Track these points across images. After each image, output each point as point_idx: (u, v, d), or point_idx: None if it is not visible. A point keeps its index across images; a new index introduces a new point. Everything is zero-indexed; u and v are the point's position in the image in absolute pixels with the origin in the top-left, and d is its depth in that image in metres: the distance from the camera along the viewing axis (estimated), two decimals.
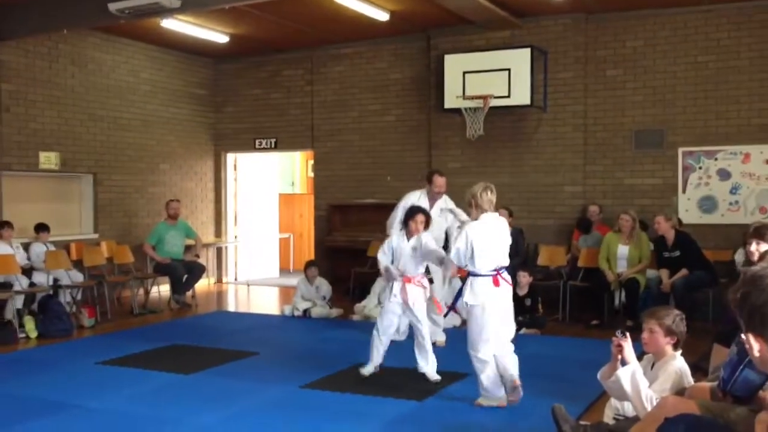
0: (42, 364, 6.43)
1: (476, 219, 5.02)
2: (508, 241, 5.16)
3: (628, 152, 9.34)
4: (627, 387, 3.47)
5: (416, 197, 6.93)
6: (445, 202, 6.99)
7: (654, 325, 3.75)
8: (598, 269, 8.27)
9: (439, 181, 7.02)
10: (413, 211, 5.72)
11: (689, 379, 3.68)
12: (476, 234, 4.91)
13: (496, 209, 8.91)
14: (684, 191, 9.04)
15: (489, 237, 4.96)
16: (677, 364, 3.71)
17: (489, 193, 5.02)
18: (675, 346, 3.75)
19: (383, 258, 5.77)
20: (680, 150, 9.06)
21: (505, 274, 5.06)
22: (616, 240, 8.21)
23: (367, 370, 5.76)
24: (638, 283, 7.97)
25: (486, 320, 4.89)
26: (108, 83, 10.54)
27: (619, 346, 3.56)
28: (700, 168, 8.97)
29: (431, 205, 6.83)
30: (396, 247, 5.73)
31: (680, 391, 3.56)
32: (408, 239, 5.68)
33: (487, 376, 4.93)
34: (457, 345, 7.12)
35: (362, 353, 6.38)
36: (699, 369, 5.22)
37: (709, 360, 4.78)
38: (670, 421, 2.56)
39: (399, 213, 6.63)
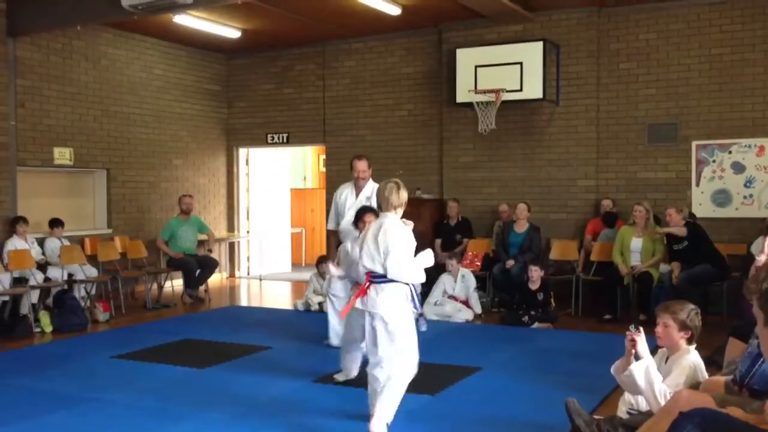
0: (57, 358, 6.49)
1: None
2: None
3: (642, 146, 9.29)
4: (641, 381, 3.47)
5: (344, 190, 6.59)
6: (371, 190, 6.32)
7: (668, 319, 3.75)
8: (611, 263, 8.24)
9: (359, 165, 6.48)
10: (361, 212, 5.51)
11: (704, 374, 3.67)
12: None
13: (513, 204, 8.87)
14: (698, 185, 8.98)
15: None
16: (691, 358, 3.70)
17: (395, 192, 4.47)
18: (689, 341, 3.74)
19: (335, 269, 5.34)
20: (694, 143, 9.00)
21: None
22: (630, 233, 8.18)
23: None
24: (651, 277, 7.93)
25: None
26: (121, 79, 10.59)
27: (633, 340, 3.58)
28: (714, 161, 8.91)
29: (357, 194, 6.47)
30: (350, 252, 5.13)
31: (695, 386, 3.56)
32: None
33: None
34: (469, 340, 7.15)
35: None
36: (713, 363, 5.21)
37: (723, 354, 4.75)
38: (685, 415, 2.55)
39: (332, 209, 6.64)
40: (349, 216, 6.25)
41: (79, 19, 8.86)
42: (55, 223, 9.06)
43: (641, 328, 3.58)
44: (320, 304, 8.77)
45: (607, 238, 8.69)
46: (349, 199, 6.54)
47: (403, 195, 4.47)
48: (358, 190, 6.55)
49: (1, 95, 8.89)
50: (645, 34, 9.21)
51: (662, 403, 3.36)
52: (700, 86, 8.95)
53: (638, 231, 8.14)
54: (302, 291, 10.28)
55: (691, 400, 2.87)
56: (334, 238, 6.71)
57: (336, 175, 11.42)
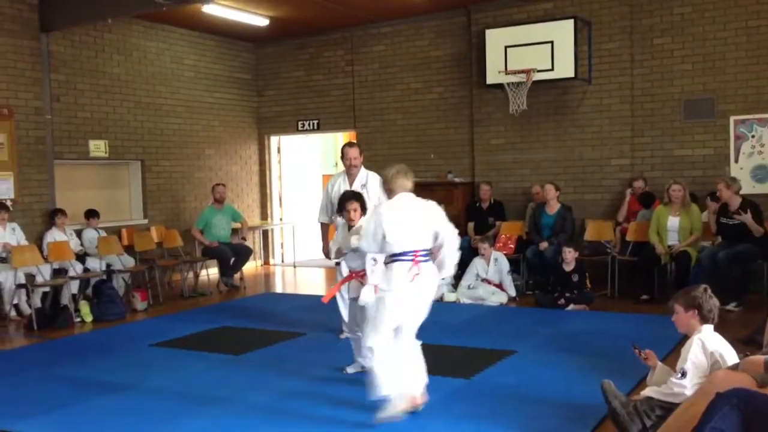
0: (97, 346, 6.62)
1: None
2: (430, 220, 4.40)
3: (678, 122, 9.10)
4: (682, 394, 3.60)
5: (335, 179, 6.37)
6: (365, 178, 6.22)
7: (675, 305, 3.85)
8: (647, 243, 8.11)
9: (351, 152, 6.19)
10: (343, 199, 5.08)
11: (719, 349, 3.65)
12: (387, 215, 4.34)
13: (542, 185, 8.82)
14: (736, 161, 8.78)
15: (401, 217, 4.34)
16: (698, 335, 3.73)
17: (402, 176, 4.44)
18: (703, 321, 3.75)
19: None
20: (732, 118, 8.79)
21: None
22: (666, 212, 8.04)
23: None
24: (689, 257, 7.79)
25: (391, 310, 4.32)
26: (153, 71, 10.69)
27: (646, 359, 3.99)
28: (753, 136, 8.69)
29: (350, 183, 6.19)
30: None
31: (734, 366, 3.50)
32: (349, 230, 4.94)
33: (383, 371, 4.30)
34: (503, 324, 7.11)
35: None
36: (753, 342, 5.12)
37: (763, 333, 4.65)
38: (722, 396, 2.50)
39: (323, 199, 6.41)
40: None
41: (109, 13, 8.96)
42: (91, 213, 9.22)
43: (636, 347, 4.01)
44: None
45: (644, 217, 8.55)
46: (342, 189, 6.05)
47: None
48: (351, 178, 6.27)
49: (36, 90, 9.04)
50: (679, 8, 9.00)
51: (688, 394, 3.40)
52: (737, 60, 8.72)
53: (675, 210, 7.99)
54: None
55: (728, 380, 2.82)
56: (326, 231, 6.52)
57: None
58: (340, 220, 5.45)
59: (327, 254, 6.28)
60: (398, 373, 4.30)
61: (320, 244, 6.63)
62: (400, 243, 4.27)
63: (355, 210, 4.94)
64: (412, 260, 4.27)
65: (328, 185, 6.46)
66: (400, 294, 4.27)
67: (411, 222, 4.33)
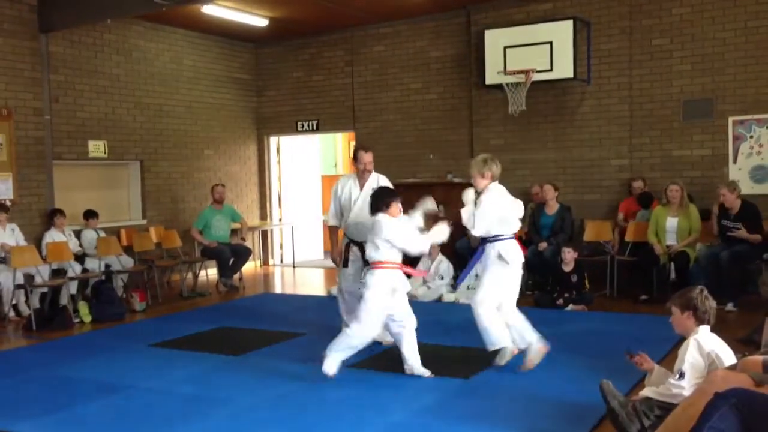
0: (97, 347, 6.62)
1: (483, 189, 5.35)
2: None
3: (676, 123, 9.11)
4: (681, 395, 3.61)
5: (344, 182, 6.37)
6: (376, 181, 6.21)
7: (672, 307, 3.88)
8: (646, 243, 8.12)
9: (366, 157, 6.21)
10: (389, 197, 5.33)
11: (712, 348, 3.67)
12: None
13: (541, 185, 8.92)
14: (735, 161, 8.79)
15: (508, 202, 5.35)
16: (695, 336, 3.75)
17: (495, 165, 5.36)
18: (699, 322, 3.77)
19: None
20: (730, 119, 8.80)
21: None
22: (665, 212, 8.05)
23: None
24: (688, 256, 7.81)
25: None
26: (152, 71, 10.69)
27: (639, 363, 4.04)
28: (752, 137, 8.70)
29: (361, 187, 6.21)
30: None
31: (732, 366, 3.51)
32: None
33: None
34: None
35: None
36: (751, 342, 5.12)
37: (761, 333, 4.66)
38: (720, 396, 2.51)
39: (332, 202, 6.35)
40: (358, 209, 6.11)
41: (109, 13, 8.96)
42: (90, 214, 9.22)
43: (632, 353, 4.09)
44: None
45: (643, 217, 8.56)
46: (354, 193, 6.24)
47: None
48: (362, 182, 6.26)
49: (36, 91, 9.04)
50: (678, 9, 9.01)
51: (686, 394, 3.41)
52: (736, 60, 8.73)
53: (673, 210, 8.00)
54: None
55: (727, 380, 2.82)
56: (336, 235, 6.53)
57: None
58: (362, 221, 5.91)
59: (335, 260, 6.37)
60: (506, 330, 5.27)
61: (321, 246, 6.68)
62: (515, 224, 5.30)
63: (398, 206, 5.30)
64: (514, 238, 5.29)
65: (336, 189, 6.38)
66: (519, 268, 5.32)
67: (512, 206, 5.33)
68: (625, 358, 4.15)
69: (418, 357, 5.29)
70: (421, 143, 10.88)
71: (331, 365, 5.13)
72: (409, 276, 5.47)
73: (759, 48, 8.60)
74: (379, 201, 5.26)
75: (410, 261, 6.30)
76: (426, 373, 5.23)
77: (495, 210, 5.23)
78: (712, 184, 8.68)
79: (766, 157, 8.62)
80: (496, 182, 5.37)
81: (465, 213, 5.39)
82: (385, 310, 5.14)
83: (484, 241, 5.34)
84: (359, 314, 5.17)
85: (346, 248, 6.18)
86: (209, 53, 11.59)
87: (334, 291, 8.92)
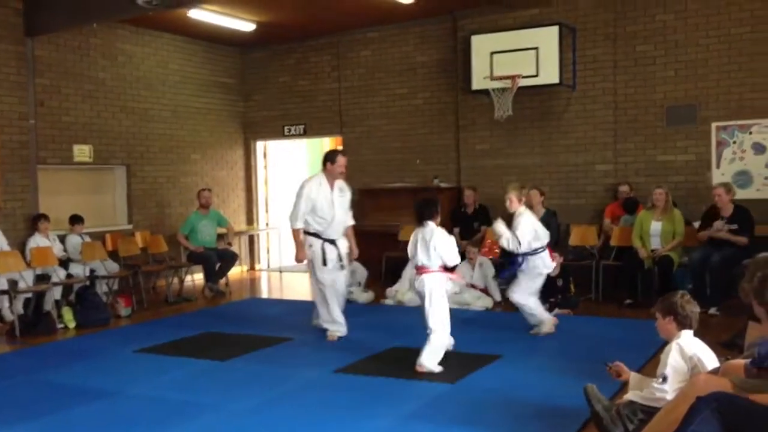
0: (81, 353, 6.58)
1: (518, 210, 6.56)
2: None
3: (660, 129, 9.18)
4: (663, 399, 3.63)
5: (316, 183, 6.64)
6: (341, 183, 6.77)
7: (655, 313, 3.93)
8: (631, 248, 8.18)
9: (343, 161, 6.67)
10: (434, 208, 5.76)
11: (694, 352, 3.70)
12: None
13: (528, 189, 9.08)
14: (718, 167, 8.87)
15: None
16: (677, 341, 3.78)
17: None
18: (681, 326, 3.81)
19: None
20: (713, 125, 8.88)
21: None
22: (649, 217, 8.11)
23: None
24: (672, 261, 7.87)
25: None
26: (138, 75, 10.66)
27: (618, 375, 4.10)
28: (734, 142, 8.79)
29: (331, 187, 6.65)
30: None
31: (715, 370, 3.54)
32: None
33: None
34: (489, 328, 7.13)
35: (394, 337, 6.41)
36: (734, 346, 5.16)
37: (744, 337, 4.70)
38: (702, 399, 2.53)
39: (302, 204, 6.55)
40: (338, 209, 6.64)
41: (94, 17, 8.94)
42: (75, 219, 9.16)
43: (608, 364, 4.19)
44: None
45: (627, 222, 8.62)
46: (327, 194, 6.60)
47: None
48: (331, 184, 6.65)
49: (21, 94, 8.99)
50: (662, 15, 9.09)
51: (669, 398, 3.43)
52: (719, 66, 8.82)
53: (657, 214, 8.07)
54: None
55: (709, 384, 2.85)
56: (300, 236, 6.69)
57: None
58: (342, 221, 6.75)
59: (301, 260, 6.76)
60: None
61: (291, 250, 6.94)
62: (545, 237, 6.62)
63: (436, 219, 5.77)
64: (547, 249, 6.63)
65: (307, 191, 6.59)
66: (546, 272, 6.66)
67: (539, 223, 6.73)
68: (606, 368, 4.19)
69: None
70: (408, 148, 10.91)
71: (434, 367, 5.50)
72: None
73: (741, 55, 8.70)
74: (430, 209, 5.69)
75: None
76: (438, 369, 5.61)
77: (531, 229, 6.50)
78: (696, 189, 8.76)
79: (748, 162, 8.71)
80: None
81: (504, 240, 6.51)
82: (447, 307, 5.67)
83: (526, 254, 6.53)
84: (432, 320, 5.53)
85: (323, 248, 6.60)
86: (195, 57, 11.57)
87: None
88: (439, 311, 5.55)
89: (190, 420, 4.54)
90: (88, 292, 8.11)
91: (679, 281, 7.75)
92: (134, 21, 10.16)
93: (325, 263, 6.58)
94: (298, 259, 6.75)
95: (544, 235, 6.59)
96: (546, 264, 6.62)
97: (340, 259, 6.68)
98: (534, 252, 6.54)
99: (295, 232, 6.69)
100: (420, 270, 5.61)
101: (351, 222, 6.94)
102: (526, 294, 6.65)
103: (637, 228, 8.16)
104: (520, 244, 6.45)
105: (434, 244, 5.50)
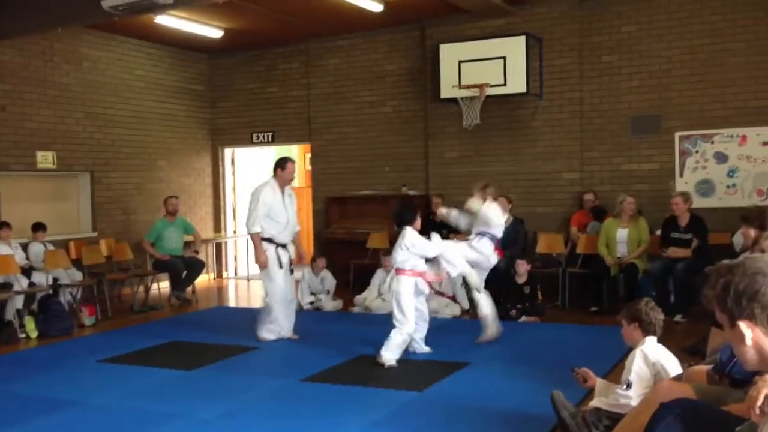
0: (43, 363, 6.45)
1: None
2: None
3: (625, 138, 9.32)
4: (628, 405, 3.65)
5: (270, 189, 6.90)
6: (289, 189, 7.15)
7: (620, 320, 4.00)
8: (597, 255, 8.27)
9: (293, 167, 7.08)
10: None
11: (658, 359, 3.76)
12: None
13: (495, 198, 9.21)
14: (681, 175, 9.03)
15: None
16: (641, 347, 3.84)
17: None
18: (645, 332, 3.87)
19: None
20: (677, 134, 9.04)
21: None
22: (616, 224, 8.23)
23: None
24: (637, 269, 7.98)
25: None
26: (103, 81, 10.52)
27: (585, 381, 4.11)
28: (697, 152, 8.96)
29: (282, 192, 6.97)
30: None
31: (678, 376, 3.59)
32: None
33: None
34: (457, 336, 7.15)
35: (362, 345, 6.40)
36: (697, 352, 5.25)
37: (707, 343, 4.78)
38: (665, 406, 2.56)
39: (259, 209, 6.77)
40: (291, 214, 6.98)
41: (59, 22, 8.78)
42: (38, 227, 8.99)
43: (576, 370, 4.18)
44: (312, 302, 8.78)
45: (593, 229, 8.73)
46: (278, 198, 6.91)
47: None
48: (283, 189, 6.98)
49: None
50: (627, 26, 9.24)
51: (634, 404, 3.47)
52: (682, 77, 8.99)
53: (624, 222, 8.18)
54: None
55: (673, 391, 2.89)
56: (259, 240, 6.88)
57: (322, 173, 11.42)
58: (294, 225, 7.05)
59: (264, 264, 6.86)
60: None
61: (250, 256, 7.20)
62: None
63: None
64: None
65: (263, 196, 6.84)
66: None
67: None
68: (572, 374, 4.23)
69: (423, 339, 6.30)
70: (377, 156, 10.92)
71: (391, 360, 5.83)
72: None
73: (704, 66, 8.87)
74: (408, 214, 6.15)
75: None
76: (427, 349, 6.28)
77: (499, 214, 6.75)
78: (660, 197, 8.89)
79: (711, 171, 8.88)
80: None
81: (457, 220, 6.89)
82: (414, 306, 6.01)
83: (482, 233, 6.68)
84: (397, 314, 5.94)
85: (276, 252, 6.87)
86: (162, 63, 11.46)
87: None
88: (403, 310, 5.92)
89: (156, 430, 4.48)
90: (51, 301, 7.96)
91: (643, 289, 7.86)
92: (100, 26, 10.03)
93: (280, 266, 6.87)
94: (262, 264, 6.86)
95: (500, 230, 6.71)
96: (492, 254, 6.63)
97: (290, 264, 7.03)
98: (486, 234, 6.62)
99: (255, 237, 6.86)
100: (395, 270, 6.10)
101: (298, 227, 7.23)
102: (463, 259, 6.47)
103: (603, 235, 8.26)
104: (488, 223, 6.56)
105: (406, 245, 5.96)
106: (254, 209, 6.79)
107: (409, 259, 6.01)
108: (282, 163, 6.98)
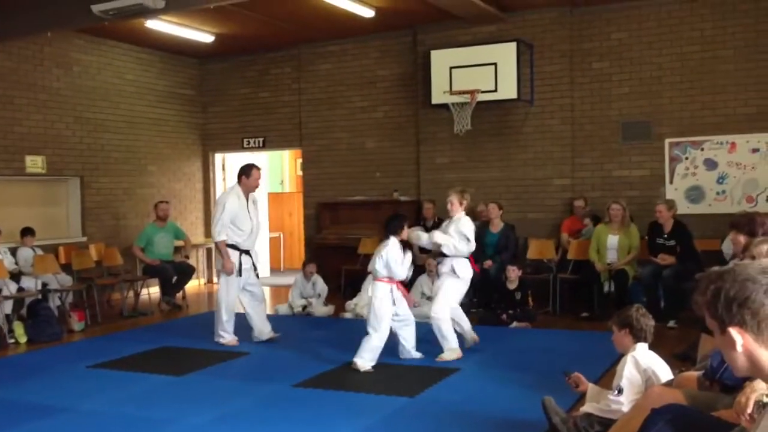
0: (32, 369, 6.40)
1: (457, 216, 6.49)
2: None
3: (616, 144, 9.37)
4: (620, 410, 3.66)
5: (235, 196, 7.01)
6: (253, 197, 7.26)
7: (612, 326, 4.00)
8: (588, 261, 8.30)
9: (258, 174, 7.16)
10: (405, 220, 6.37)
11: (649, 365, 3.77)
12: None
13: (486, 204, 9.26)
14: (671, 182, 9.08)
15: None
16: (632, 353, 3.84)
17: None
18: (636, 339, 3.88)
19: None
20: (667, 141, 9.09)
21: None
22: (606, 231, 8.26)
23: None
24: (627, 275, 8.01)
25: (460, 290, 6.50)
26: (94, 85, 10.48)
27: (577, 386, 4.14)
28: (687, 158, 9.01)
29: (247, 199, 7.09)
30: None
31: (669, 382, 3.60)
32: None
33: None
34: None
35: (353, 351, 6.37)
36: (687, 358, 5.27)
37: (697, 349, 4.79)
38: (656, 411, 2.57)
39: (225, 217, 6.89)
40: (255, 221, 7.11)
41: (49, 26, 8.74)
42: (27, 231, 8.94)
43: (569, 374, 4.19)
44: (304, 307, 8.76)
45: (589, 234, 8.73)
46: (243, 205, 7.00)
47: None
48: (247, 195, 7.09)
49: None
50: (617, 33, 9.30)
51: (625, 410, 3.48)
52: (672, 84, 9.05)
53: (614, 228, 8.21)
54: (281, 296, 10.26)
55: (663, 396, 2.89)
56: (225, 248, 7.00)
57: (314, 178, 11.40)
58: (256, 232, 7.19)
59: (231, 271, 6.98)
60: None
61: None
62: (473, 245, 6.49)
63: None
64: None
65: (227, 202, 6.95)
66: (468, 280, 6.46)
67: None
68: (565, 378, 4.24)
69: (414, 346, 6.31)
70: (368, 161, 10.92)
71: (365, 365, 5.92)
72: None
73: (694, 73, 8.93)
74: (393, 225, 6.17)
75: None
76: (418, 354, 6.28)
77: (472, 229, 6.44)
78: (650, 203, 8.92)
79: (700, 178, 8.93)
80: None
81: (444, 242, 6.36)
82: (390, 312, 6.07)
83: (444, 257, 6.43)
84: (371, 319, 6.01)
85: (240, 259, 7.02)
86: (153, 68, 11.43)
87: (281, 309, 8.91)
88: (378, 315, 6.00)
89: None
90: (40, 306, 7.91)
91: (634, 295, 7.88)
92: (90, 30, 9.99)
93: (240, 273, 6.99)
94: (228, 270, 6.97)
95: (473, 243, 6.49)
96: (469, 269, 6.45)
97: (255, 269, 7.20)
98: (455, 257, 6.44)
99: (221, 244, 6.98)
100: (372, 277, 6.24)
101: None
102: (446, 306, 6.36)
103: (594, 241, 8.29)
104: (469, 240, 6.33)
105: (384, 255, 6.04)
106: (220, 218, 6.93)
107: (386, 268, 6.08)
108: (247, 171, 7.07)
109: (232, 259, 6.96)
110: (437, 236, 6.38)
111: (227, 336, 7.13)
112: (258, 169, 7.15)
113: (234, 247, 6.99)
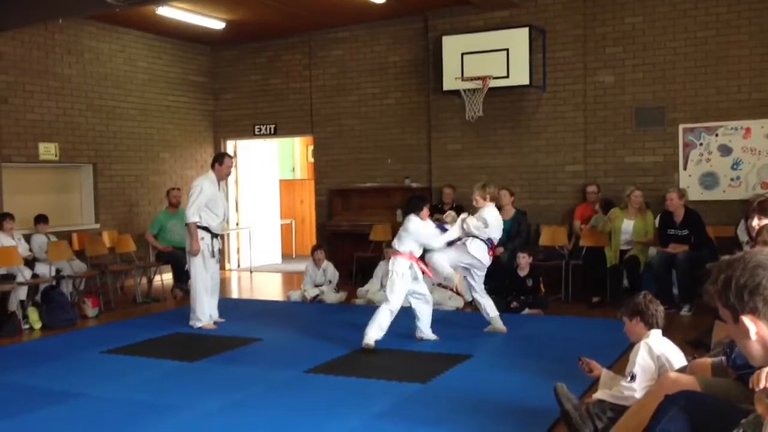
0: (47, 354, 6.46)
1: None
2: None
3: (629, 130, 9.29)
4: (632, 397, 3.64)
5: (210, 182, 7.34)
6: (223, 183, 7.72)
7: (621, 316, 3.96)
8: (600, 248, 8.26)
9: (230, 162, 7.60)
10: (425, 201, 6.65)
11: (662, 351, 3.74)
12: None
13: (498, 190, 9.28)
14: (685, 168, 9.00)
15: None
16: (646, 340, 3.82)
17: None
18: (648, 326, 3.85)
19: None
20: (681, 126, 9.01)
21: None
22: (622, 215, 8.23)
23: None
24: (639, 261, 7.97)
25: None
26: (105, 72, 10.50)
27: (590, 371, 4.12)
28: (701, 144, 8.93)
29: (219, 186, 7.50)
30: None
31: (682, 368, 3.58)
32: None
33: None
34: (459, 328, 7.15)
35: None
36: (701, 344, 5.24)
37: (711, 335, 4.77)
38: (670, 398, 2.56)
39: (201, 200, 7.22)
40: (222, 207, 7.46)
41: (61, 13, 8.77)
42: (40, 218, 8.99)
43: (583, 359, 4.20)
44: (316, 295, 8.77)
45: (596, 222, 8.70)
46: (215, 191, 7.36)
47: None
48: (220, 182, 7.49)
49: None
50: (631, 18, 9.20)
51: (638, 396, 3.47)
52: (687, 69, 8.95)
53: (631, 214, 8.19)
54: (293, 282, 10.30)
55: (677, 383, 2.88)
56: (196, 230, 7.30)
57: (325, 165, 11.40)
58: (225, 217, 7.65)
59: (197, 253, 7.24)
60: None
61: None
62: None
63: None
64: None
65: (203, 187, 7.26)
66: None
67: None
68: (579, 363, 4.22)
69: (429, 325, 6.48)
70: (379, 148, 10.90)
71: (369, 341, 6.07)
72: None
73: (708, 57, 8.83)
74: (413, 204, 6.43)
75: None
76: (434, 336, 6.45)
77: (496, 216, 6.69)
78: (663, 190, 8.86)
79: (714, 164, 8.85)
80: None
81: (474, 225, 6.55)
82: (406, 287, 6.25)
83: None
84: (387, 291, 6.23)
85: (211, 241, 7.33)
86: (165, 55, 11.44)
87: (294, 296, 8.93)
88: (393, 288, 6.20)
89: (159, 422, 4.48)
90: (55, 292, 7.97)
91: (645, 283, 7.84)
92: (101, 18, 10.01)
93: (212, 255, 7.35)
94: (195, 252, 7.24)
95: (497, 231, 6.69)
96: (486, 256, 6.64)
97: (220, 252, 7.62)
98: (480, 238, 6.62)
99: (192, 225, 7.25)
100: (393, 252, 6.41)
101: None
102: (447, 260, 6.52)
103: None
104: (486, 225, 6.53)
105: (406, 228, 6.26)
106: (195, 200, 7.24)
107: (406, 243, 6.27)
108: (220, 159, 7.52)
109: (205, 240, 7.27)
110: (469, 220, 6.64)
111: (204, 319, 7.36)
112: (230, 157, 7.67)
113: (206, 229, 7.30)
